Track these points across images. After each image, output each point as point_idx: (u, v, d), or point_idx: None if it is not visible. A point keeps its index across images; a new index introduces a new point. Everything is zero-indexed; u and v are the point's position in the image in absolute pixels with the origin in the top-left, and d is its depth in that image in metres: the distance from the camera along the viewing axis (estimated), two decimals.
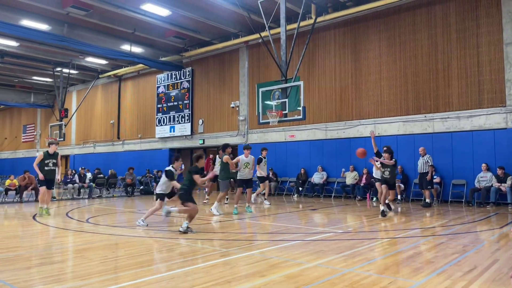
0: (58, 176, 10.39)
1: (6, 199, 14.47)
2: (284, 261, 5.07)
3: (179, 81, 21.34)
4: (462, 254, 5.39)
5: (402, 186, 13.43)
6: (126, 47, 19.09)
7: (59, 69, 24.01)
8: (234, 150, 16.28)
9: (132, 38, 18.78)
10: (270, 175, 16.46)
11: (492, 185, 11.61)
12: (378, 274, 4.42)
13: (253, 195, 13.02)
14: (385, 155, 9.74)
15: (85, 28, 17.60)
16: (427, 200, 11.91)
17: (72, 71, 23.65)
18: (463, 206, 11.94)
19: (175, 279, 4.33)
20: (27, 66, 23.58)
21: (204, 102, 20.43)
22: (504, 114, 12.32)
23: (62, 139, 23.11)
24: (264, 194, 12.97)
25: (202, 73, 20.58)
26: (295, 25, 14.41)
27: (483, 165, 12.06)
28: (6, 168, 31.28)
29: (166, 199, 8.43)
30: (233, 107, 19.03)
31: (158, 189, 8.31)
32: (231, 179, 11.65)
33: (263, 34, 14.82)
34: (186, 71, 21.08)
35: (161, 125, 21.99)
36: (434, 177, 12.47)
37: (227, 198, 12.65)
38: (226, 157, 10.37)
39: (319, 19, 15.07)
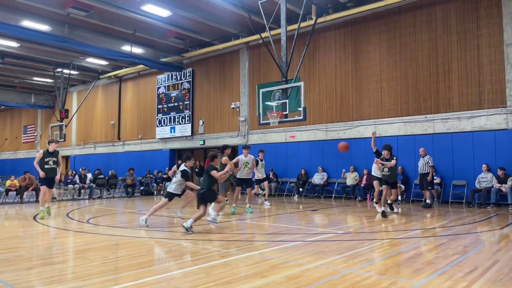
0: (58, 176, 10.35)
1: (6, 200, 14.46)
2: (284, 262, 5.06)
3: (180, 81, 21.34)
4: (463, 255, 5.39)
5: (403, 186, 13.42)
6: (126, 47, 19.10)
7: (59, 69, 24.04)
8: (235, 151, 16.29)
9: (132, 39, 18.79)
10: (271, 176, 16.48)
11: (492, 186, 11.61)
12: (378, 275, 4.42)
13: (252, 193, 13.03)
14: (384, 152, 9.75)
15: (85, 28, 17.62)
16: (428, 201, 11.91)
17: (72, 72, 23.67)
18: (463, 207, 11.94)
19: (175, 280, 4.34)
20: (28, 67, 23.60)
21: (204, 103, 20.43)
22: (504, 114, 12.32)
23: (62, 139, 23.11)
24: (264, 195, 12.97)
25: (203, 74, 20.58)
26: (295, 26, 14.42)
27: (484, 166, 12.06)
28: (7, 168, 31.33)
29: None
30: (233, 107, 19.02)
31: (170, 188, 8.24)
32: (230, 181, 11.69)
33: (263, 35, 14.82)
34: (186, 71, 21.08)
35: (162, 125, 21.99)
36: (435, 177, 12.45)
37: (226, 200, 12.64)
38: (225, 158, 10.41)
39: (320, 20, 15.10)
